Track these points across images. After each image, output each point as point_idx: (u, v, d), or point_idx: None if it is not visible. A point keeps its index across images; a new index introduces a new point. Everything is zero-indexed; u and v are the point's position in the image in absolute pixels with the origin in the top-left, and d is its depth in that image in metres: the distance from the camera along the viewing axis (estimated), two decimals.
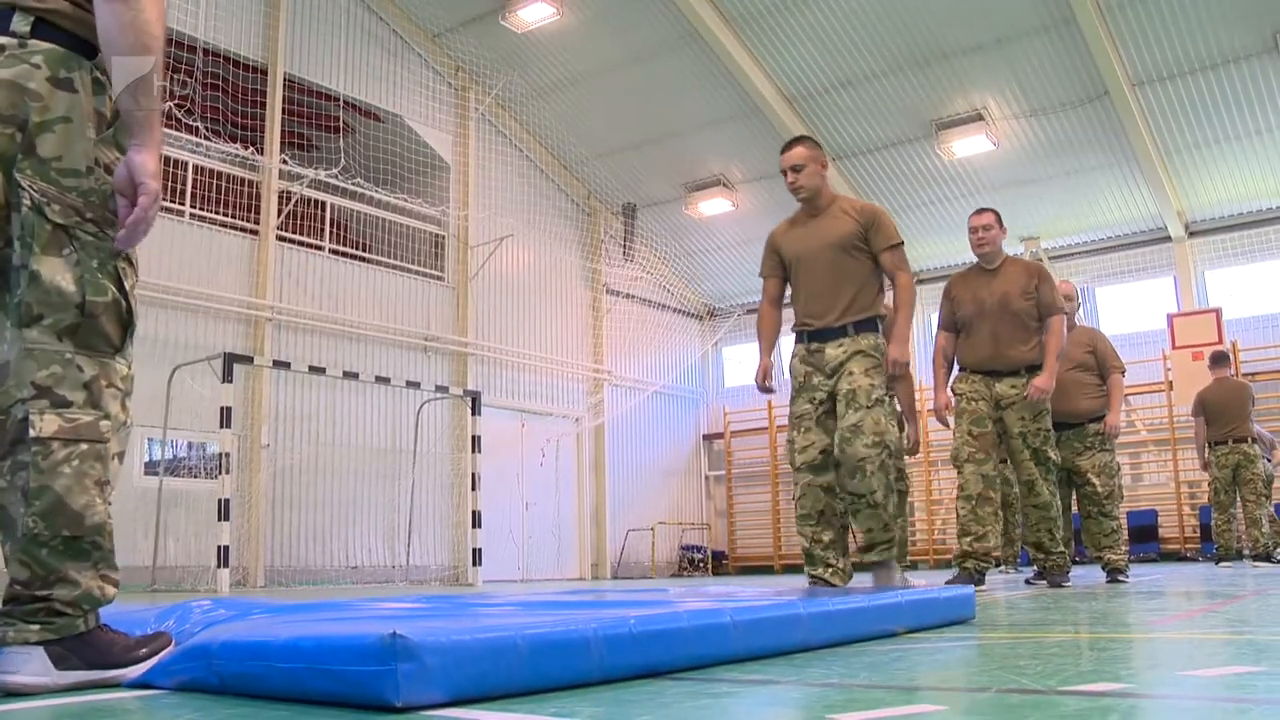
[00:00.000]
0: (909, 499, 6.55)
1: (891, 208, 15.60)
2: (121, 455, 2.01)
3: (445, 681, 1.59)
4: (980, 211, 6.26)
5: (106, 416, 1.96)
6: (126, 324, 2.01)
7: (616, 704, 1.65)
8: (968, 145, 14.24)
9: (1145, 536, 14.47)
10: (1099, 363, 6.97)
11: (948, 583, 5.13)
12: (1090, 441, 6.83)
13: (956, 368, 6.20)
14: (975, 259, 6.24)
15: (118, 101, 2.01)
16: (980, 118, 13.91)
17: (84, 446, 1.91)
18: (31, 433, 1.87)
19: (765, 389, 4.82)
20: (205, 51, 11.97)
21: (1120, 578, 6.73)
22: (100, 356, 1.97)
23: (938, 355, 6.21)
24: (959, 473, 5.95)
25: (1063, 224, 15.52)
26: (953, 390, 6.10)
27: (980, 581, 5.84)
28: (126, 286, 2.01)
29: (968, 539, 5.81)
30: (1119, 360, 7.09)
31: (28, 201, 1.90)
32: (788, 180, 4.89)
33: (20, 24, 1.94)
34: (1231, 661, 2.00)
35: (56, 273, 1.91)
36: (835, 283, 4.70)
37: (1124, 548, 6.86)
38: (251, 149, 12.42)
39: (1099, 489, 6.76)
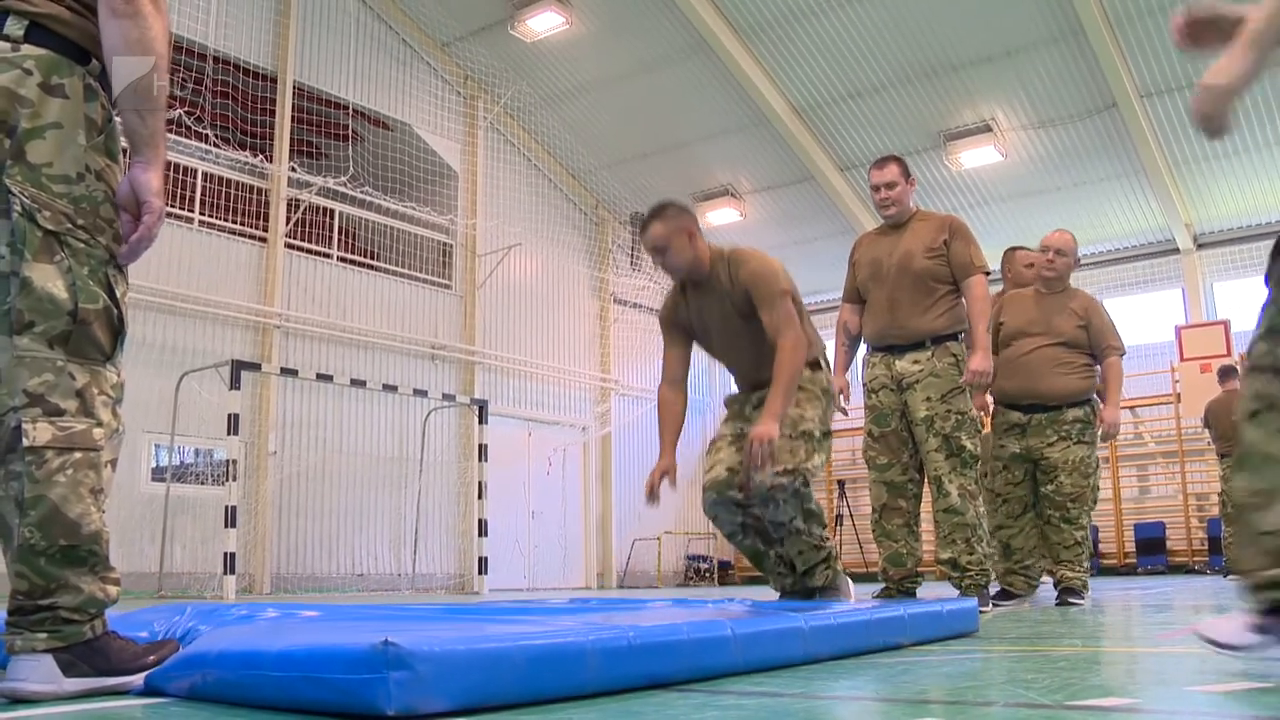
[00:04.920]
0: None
1: None
2: (114, 463, 2.00)
3: (439, 690, 1.58)
4: (882, 164, 5.03)
5: (99, 424, 1.95)
6: (117, 331, 2.00)
7: (624, 715, 1.64)
8: (976, 156, 14.23)
9: (1153, 549, 14.42)
10: (1093, 340, 5.64)
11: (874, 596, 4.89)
12: (1067, 430, 5.58)
13: (864, 348, 5.17)
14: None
15: (123, 119, 2.01)
16: (988, 129, 13.91)
17: (78, 455, 1.90)
18: (25, 442, 1.86)
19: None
20: (215, 59, 12.01)
21: (1073, 599, 5.51)
22: (91, 364, 1.96)
23: (838, 331, 5.19)
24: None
25: (1079, 233, 15.48)
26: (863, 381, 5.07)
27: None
28: (117, 293, 2.00)
29: (882, 559, 4.98)
30: (1119, 340, 5.73)
31: (18, 208, 1.89)
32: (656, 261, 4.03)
33: (14, 28, 1.93)
34: (1240, 678, 1.99)
35: (48, 280, 1.90)
36: (743, 349, 4.03)
37: (1085, 564, 5.65)
38: (260, 156, 12.46)
39: (1067, 488, 5.55)
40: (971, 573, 4.77)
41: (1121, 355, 5.71)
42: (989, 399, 5.99)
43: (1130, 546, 14.83)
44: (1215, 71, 2.02)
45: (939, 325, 4.81)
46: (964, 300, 4.88)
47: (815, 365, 4.00)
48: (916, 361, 4.80)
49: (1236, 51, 1.99)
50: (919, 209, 5.08)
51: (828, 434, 3.93)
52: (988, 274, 4.90)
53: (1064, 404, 5.62)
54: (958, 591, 4.81)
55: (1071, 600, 5.51)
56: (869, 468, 5.00)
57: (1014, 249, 6.86)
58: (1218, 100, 2.01)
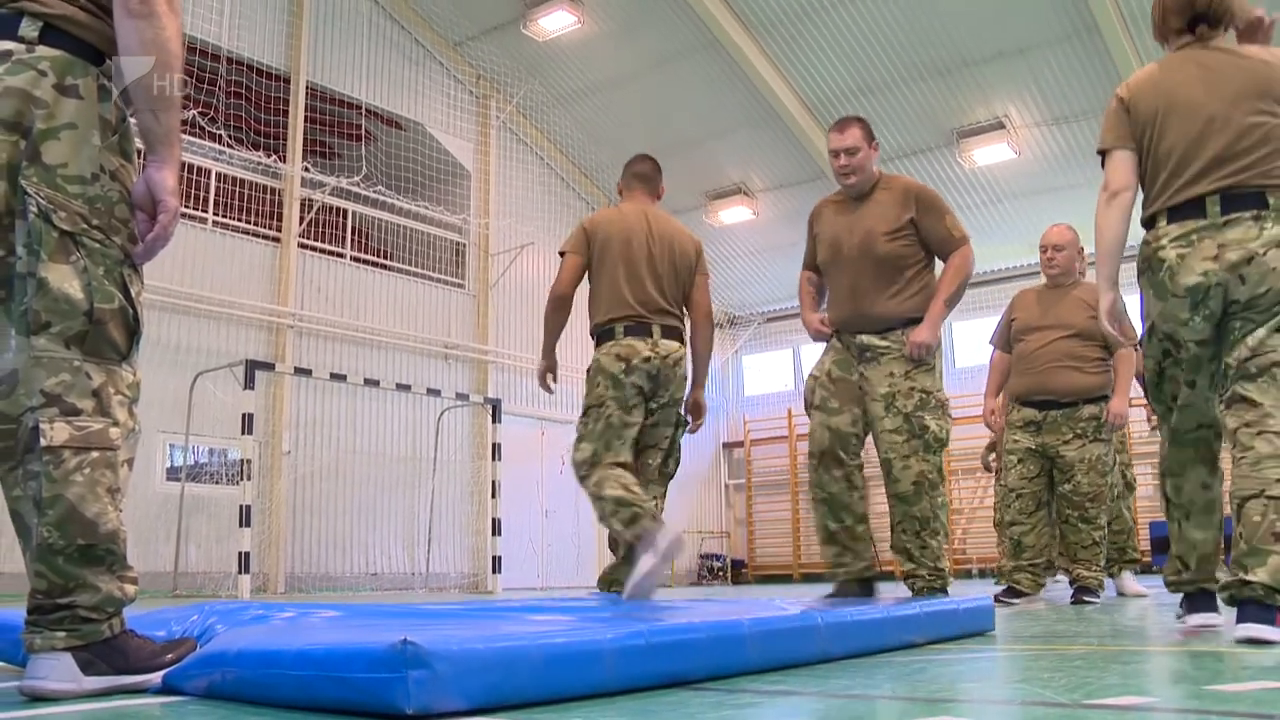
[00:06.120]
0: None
1: None
2: (130, 462, 2.00)
3: (458, 689, 1.58)
4: (842, 127, 4.57)
5: (116, 424, 1.95)
6: (133, 331, 2.01)
7: (640, 714, 1.64)
8: (989, 153, 14.18)
9: (1168, 547, 14.34)
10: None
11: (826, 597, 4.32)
12: (1083, 428, 5.46)
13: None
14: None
15: (138, 119, 2.02)
16: (1002, 126, 13.86)
17: (95, 454, 1.90)
18: (43, 441, 1.87)
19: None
20: (229, 60, 12.05)
21: (1088, 598, 5.47)
22: (108, 364, 1.96)
23: (803, 285, 4.78)
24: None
25: (1085, 232, 15.42)
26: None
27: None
28: (132, 293, 2.00)
29: (819, 520, 4.47)
30: (1133, 331, 5.50)
31: (34, 209, 1.89)
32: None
33: (28, 29, 1.93)
34: (1258, 677, 1.99)
35: (64, 280, 1.91)
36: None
37: (1101, 563, 5.64)
38: (274, 157, 12.50)
39: (1084, 487, 5.47)
40: (923, 573, 4.37)
41: (1135, 345, 5.44)
42: (1000, 400, 5.93)
43: (1145, 545, 14.77)
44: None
45: (908, 308, 4.38)
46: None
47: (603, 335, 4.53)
48: (884, 338, 4.40)
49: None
50: (882, 174, 4.63)
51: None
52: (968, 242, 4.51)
53: (1079, 400, 5.50)
54: (910, 592, 4.42)
55: (1086, 599, 5.47)
56: (816, 409, 4.47)
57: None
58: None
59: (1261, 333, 2.79)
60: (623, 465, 4.37)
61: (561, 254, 4.74)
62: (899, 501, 4.37)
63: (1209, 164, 2.89)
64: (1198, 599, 3.12)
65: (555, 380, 4.94)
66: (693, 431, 4.81)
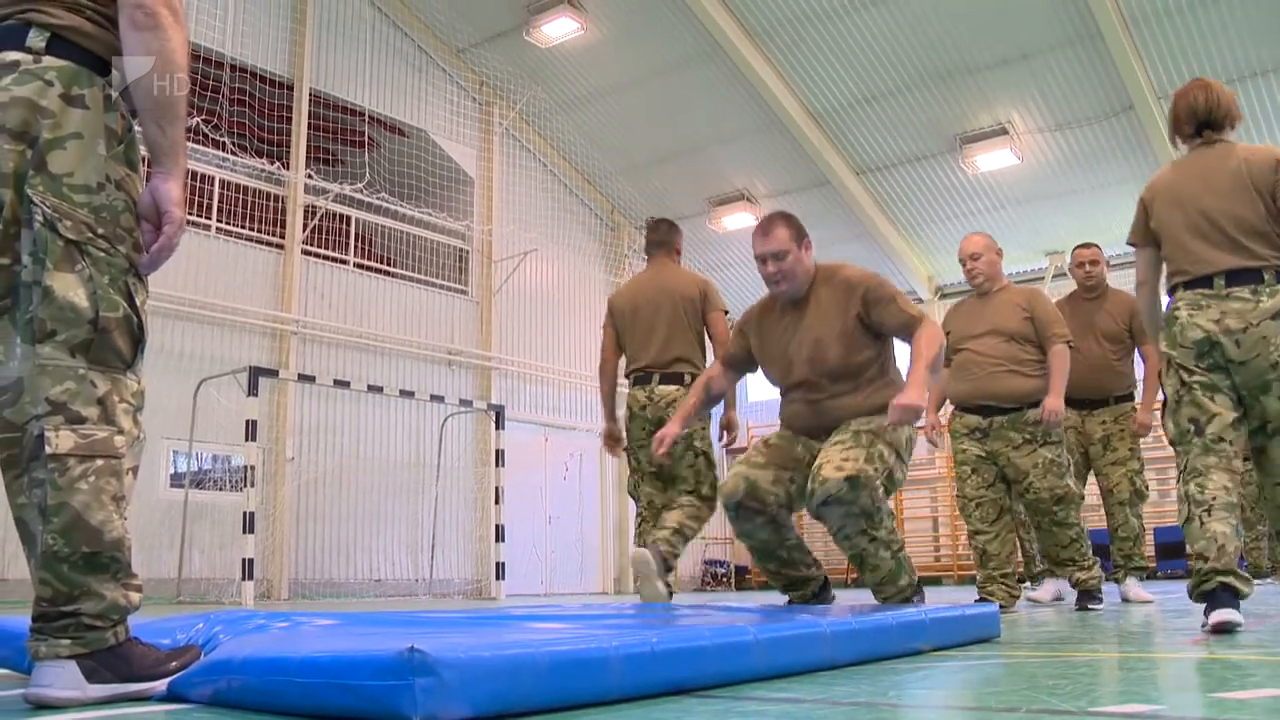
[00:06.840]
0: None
1: (915, 222, 15.57)
2: (135, 470, 2.01)
3: (464, 697, 1.58)
4: (765, 229, 4.13)
5: (120, 432, 1.96)
6: (138, 339, 2.01)
7: None
8: (992, 159, 14.18)
9: (1174, 553, 14.31)
10: (1038, 330, 5.31)
11: None
12: (1030, 433, 5.26)
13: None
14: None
15: (144, 130, 2.03)
16: (1005, 132, 13.86)
17: (100, 462, 1.91)
18: (47, 449, 1.87)
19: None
20: (232, 67, 12.08)
21: (1092, 604, 5.29)
22: (112, 372, 1.97)
23: (700, 383, 4.65)
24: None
25: (1088, 238, 15.38)
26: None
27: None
28: (137, 302, 2.01)
29: (766, 569, 4.34)
30: (1063, 327, 5.36)
31: (40, 218, 1.90)
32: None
33: (36, 40, 1.95)
34: (1265, 684, 1.98)
35: (69, 289, 1.91)
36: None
37: (1092, 562, 5.45)
38: (277, 164, 12.52)
39: (1045, 493, 5.24)
40: (887, 588, 3.99)
41: (1069, 344, 5.34)
42: (940, 418, 5.89)
43: (1150, 550, 14.75)
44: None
45: (875, 402, 4.04)
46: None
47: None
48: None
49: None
50: (819, 267, 4.20)
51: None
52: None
53: (1022, 405, 5.27)
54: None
55: (1090, 605, 5.33)
56: (739, 464, 4.25)
57: (1075, 248, 6.93)
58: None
59: (1275, 404, 3.47)
60: (652, 490, 5.54)
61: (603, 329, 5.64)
62: (840, 493, 3.75)
63: (1208, 251, 3.57)
64: (1219, 595, 3.30)
65: (622, 448, 5.64)
66: (726, 446, 5.43)
